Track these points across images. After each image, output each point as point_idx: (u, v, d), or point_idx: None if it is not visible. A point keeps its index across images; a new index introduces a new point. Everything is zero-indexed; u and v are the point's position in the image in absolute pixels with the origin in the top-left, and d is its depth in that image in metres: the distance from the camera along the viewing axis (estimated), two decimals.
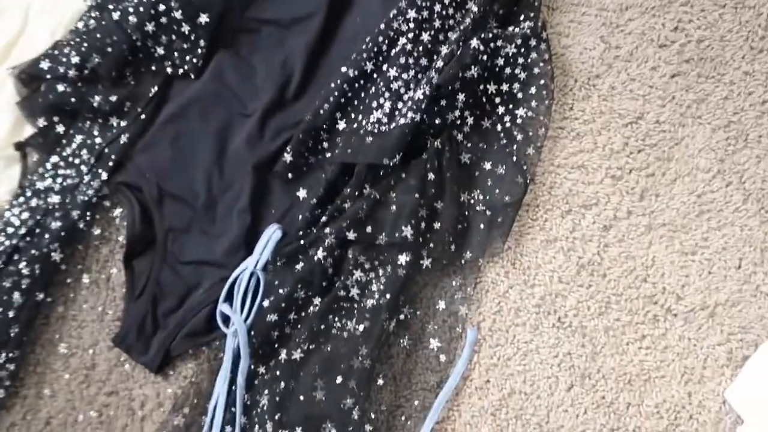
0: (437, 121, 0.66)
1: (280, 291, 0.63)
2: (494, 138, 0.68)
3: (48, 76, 0.70)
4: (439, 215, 0.65)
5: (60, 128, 0.71)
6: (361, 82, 0.69)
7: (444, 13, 0.68)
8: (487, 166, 0.67)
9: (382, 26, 0.69)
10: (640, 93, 0.69)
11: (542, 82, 0.67)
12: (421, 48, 0.68)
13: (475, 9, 0.67)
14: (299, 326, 0.63)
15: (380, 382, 0.62)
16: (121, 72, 0.71)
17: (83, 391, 0.66)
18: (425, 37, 0.68)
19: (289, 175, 0.68)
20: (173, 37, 0.71)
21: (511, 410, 0.63)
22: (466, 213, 0.67)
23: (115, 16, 0.70)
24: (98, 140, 0.71)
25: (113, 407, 0.65)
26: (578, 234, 0.66)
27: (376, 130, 0.66)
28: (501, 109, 0.68)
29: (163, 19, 0.70)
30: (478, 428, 0.62)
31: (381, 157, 0.64)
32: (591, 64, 0.70)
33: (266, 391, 0.61)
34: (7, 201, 0.69)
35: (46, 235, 0.67)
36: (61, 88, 0.70)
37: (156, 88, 0.72)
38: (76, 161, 0.70)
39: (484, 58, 0.66)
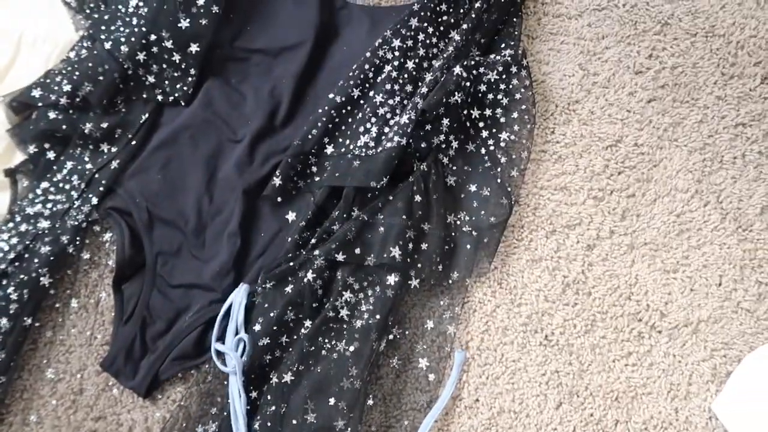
0: (423, 145, 0.68)
1: (271, 314, 0.64)
2: (479, 161, 0.70)
3: (39, 104, 0.71)
4: (426, 236, 0.67)
5: (51, 154, 0.72)
6: (348, 108, 0.70)
7: (428, 41, 0.71)
8: (473, 188, 0.69)
9: (368, 54, 0.71)
10: (618, 117, 0.71)
11: (524, 107, 0.70)
12: (406, 75, 0.70)
13: (457, 38, 0.69)
14: (290, 349, 0.63)
15: (370, 402, 0.62)
16: (112, 99, 0.72)
17: (70, 417, 0.65)
18: (410, 64, 0.70)
19: (279, 198, 0.69)
20: (164, 65, 0.72)
21: (500, 429, 0.63)
22: (453, 234, 0.68)
23: (107, 45, 0.72)
24: (89, 166, 0.71)
25: None
26: (563, 253, 0.68)
27: (363, 154, 0.67)
28: (485, 133, 0.70)
29: (154, 49, 0.72)
30: None
31: (368, 180, 0.66)
32: (570, 90, 0.73)
33: (258, 417, 0.61)
34: None
35: (35, 260, 0.67)
36: (52, 115, 0.71)
37: (147, 115, 0.73)
38: (67, 187, 0.71)
39: (467, 84, 0.68)
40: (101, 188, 0.70)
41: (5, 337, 0.65)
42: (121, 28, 0.73)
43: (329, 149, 0.70)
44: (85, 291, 0.69)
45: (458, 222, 0.68)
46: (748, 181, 0.68)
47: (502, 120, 0.70)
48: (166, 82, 0.73)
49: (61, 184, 0.71)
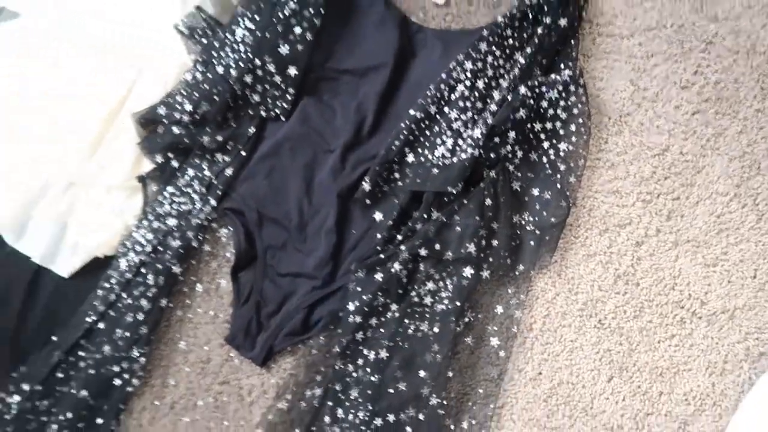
0: (492, 155, 0.78)
1: (363, 297, 0.76)
2: (541, 168, 0.80)
3: (164, 121, 0.85)
4: (496, 234, 0.78)
5: (175, 163, 0.85)
6: (427, 122, 0.81)
7: (496, 63, 0.81)
8: (536, 192, 0.79)
9: (444, 75, 0.81)
10: (665, 128, 0.81)
11: (581, 120, 0.79)
12: (476, 93, 0.80)
13: (522, 60, 0.79)
14: (381, 329, 0.76)
15: (450, 374, 0.74)
16: (224, 116, 0.85)
17: (200, 381, 0.79)
18: (480, 84, 0.81)
19: (367, 201, 0.81)
20: (267, 86, 0.85)
21: (560, 397, 0.74)
22: (519, 232, 0.79)
23: (219, 69, 0.84)
24: (207, 173, 0.84)
25: (226, 394, 0.78)
26: (614, 249, 0.78)
27: (441, 163, 0.79)
28: (546, 144, 0.80)
29: (259, 72, 0.84)
30: (532, 412, 0.74)
31: (446, 185, 0.77)
32: (622, 104, 0.82)
33: (359, 386, 0.74)
34: (133, 224, 0.84)
35: (168, 252, 0.81)
36: (176, 130, 0.84)
37: (253, 129, 0.85)
38: (189, 191, 0.84)
39: (531, 101, 0.78)
40: (218, 192, 0.83)
41: (146, 315, 0.79)
42: (230, 54, 0.85)
43: (410, 158, 0.81)
44: (207, 278, 0.83)
45: (523, 222, 0.79)
46: None
47: (562, 132, 0.80)
48: (269, 100, 0.85)
49: (184, 189, 0.84)
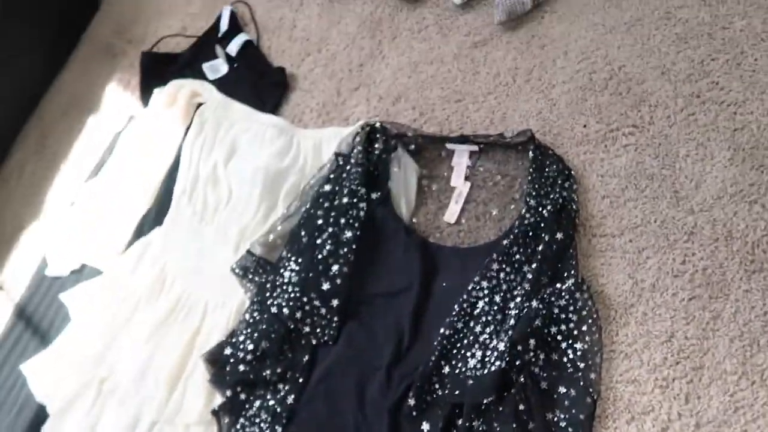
0: (518, 362, 0.89)
1: None
2: (563, 367, 0.90)
3: (231, 360, 0.98)
4: None
5: (242, 396, 0.98)
6: (456, 336, 0.93)
7: (507, 278, 0.94)
8: (562, 389, 0.89)
9: (465, 295, 0.94)
10: (667, 315, 0.91)
11: (590, 320, 0.90)
12: (495, 307, 0.93)
13: (530, 275, 0.92)
14: None
15: None
16: (281, 348, 0.98)
17: None
18: (497, 298, 0.93)
19: (413, 413, 0.91)
20: (315, 318, 0.98)
21: None
22: (553, 430, 0.87)
23: (273, 309, 0.99)
24: (271, 402, 0.96)
25: None
26: None
27: (474, 374, 0.89)
28: (564, 345, 0.91)
29: (307, 307, 0.98)
30: None
31: (481, 397, 0.87)
32: (625, 297, 0.93)
33: None
34: None
35: None
36: (241, 368, 0.97)
37: (307, 356, 0.98)
38: (257, 420, 0.96)
39: (544, 311, 0.90)
40: (283, 420, 0.95)
41: None
42: (281, 294, 1.00)
43: (446, 369, 0.92)
44: None
45: (555, 419, 0.88)
46: None
47: (575, 332, 0.91)
48: (317, 329, 0.99)
49: (253, 418, 0.96)
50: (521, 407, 0.87)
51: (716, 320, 0.89)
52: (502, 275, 0.94)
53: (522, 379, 0.89)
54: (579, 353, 0.90)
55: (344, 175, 1.08)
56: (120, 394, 1.01)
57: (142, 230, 1.18)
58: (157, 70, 1.34)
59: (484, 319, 0.92)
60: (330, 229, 1.02)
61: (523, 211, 0.99)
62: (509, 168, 1.07)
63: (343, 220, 1.03)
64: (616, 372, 0.90)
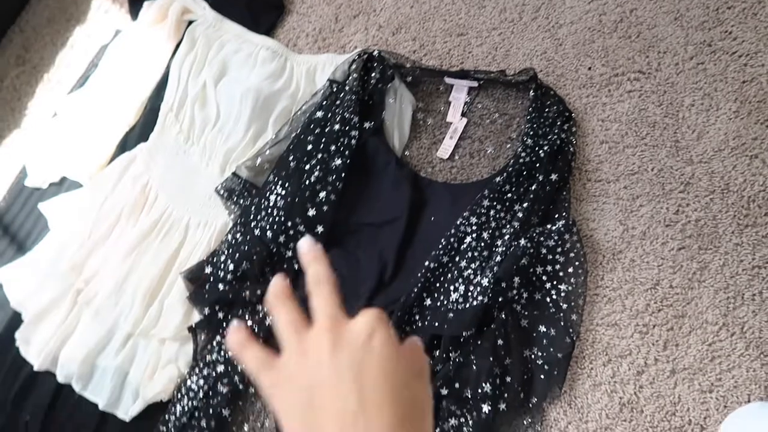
0: (500, 299, 0.88)
1: None
2: (545, 307, 0.89)
3: (210, 278, 0.97)
4: (509, 371, 0.86)
5: (220, 315, 0.97)
6: (440, 270, 0.92)
7: (497, 216, 0.92)
8: (542, 329, 0.89)
9: (453, 230, 0.93)
10: (654, 264, 0.90)
11: (577, 263, 0.89)
12: (483, 244, 0.91)
13: (520, 215, 0.91)
14: None
15: None
16: (262, 271, 0.97)
17: None
18: (485, 235, 0.92)
19: None
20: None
21: None
22: (529, 366, 0.87)
23: (257, 231, 0.97)
24: (249, 323, 0.96)
25: None
26: (618, 379, 0.86)
27: (455, 308, 0.89)
28: (548, 285, 0.90)
29: (291, 231, 0.96)
30: None
31: (461, 330, 0.86)
32: (614, 243, 0.92)
33: None
34: (186, 372, 0.95)
35: (218, 397, 0.91)
36: (221, 287, 0.96)
37: (288, 281, 0.97)
38: None
39: (531, 251, 0.89)
40: (260, 341, 0.94)
41: None
42: (265, 218, 0.98)
43: (427, 302, 0.91)
44: (252, 417, 0.93)
45: (533, 356, 0.88)
46: (767, 314, 0.85)
47: (561, 274, 0.90)
48: None
49: None
50: (500, 342, 0.87)
51: (703, 271, 0.89)
52: (492, 212, 0.92)
53: (503, 316, 0.88)
54: (563, 294, 0.89)
55: (338, 102, 1.04)
56: (96, 305, 1.00)
57: (125, 146, 1.14)
58: None
59: (470, 254, 0.91)
60: (319, 156, 0.99)
61: (519, 150, 0.96)
62: (508, 107, 1.04)
63: (333, 147, 1.00)
64: (597, 315, 0.89)
